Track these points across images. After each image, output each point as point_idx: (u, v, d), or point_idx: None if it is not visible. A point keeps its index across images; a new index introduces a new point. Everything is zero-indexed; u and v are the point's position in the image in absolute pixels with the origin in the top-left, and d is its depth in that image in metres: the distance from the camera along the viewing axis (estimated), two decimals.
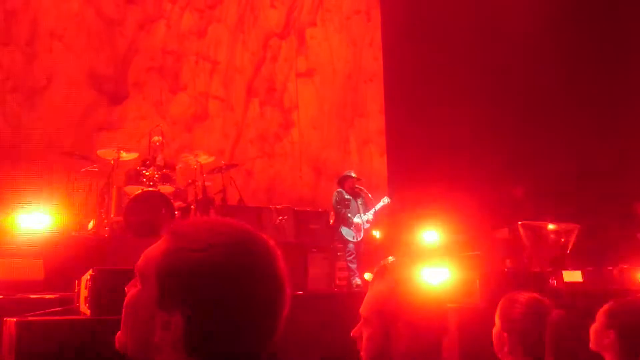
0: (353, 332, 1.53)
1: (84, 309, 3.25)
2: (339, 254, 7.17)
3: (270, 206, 7.55)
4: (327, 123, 10.37)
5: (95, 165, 6.60)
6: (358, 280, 6.84)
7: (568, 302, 4.66)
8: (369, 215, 7.24)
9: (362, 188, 7.41)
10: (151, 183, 6.40)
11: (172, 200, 6.35)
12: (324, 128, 10.33)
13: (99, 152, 6.65)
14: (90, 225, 6.51)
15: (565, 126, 8.86)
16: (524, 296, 2.03)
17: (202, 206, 6.71)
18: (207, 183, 6.87)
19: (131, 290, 0.98)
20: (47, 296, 3.88)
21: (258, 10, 10.06)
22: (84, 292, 3.29)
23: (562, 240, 7.06)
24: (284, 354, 1.70)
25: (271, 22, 10.15)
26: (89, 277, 3.18)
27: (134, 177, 6.58)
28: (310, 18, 10.57)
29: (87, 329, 3.05)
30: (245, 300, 0.92)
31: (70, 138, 8.03)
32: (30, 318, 3.09)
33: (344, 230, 7.10)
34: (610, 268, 5.90)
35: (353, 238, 7.06)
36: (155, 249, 0.97)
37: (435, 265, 5.15)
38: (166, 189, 6.49)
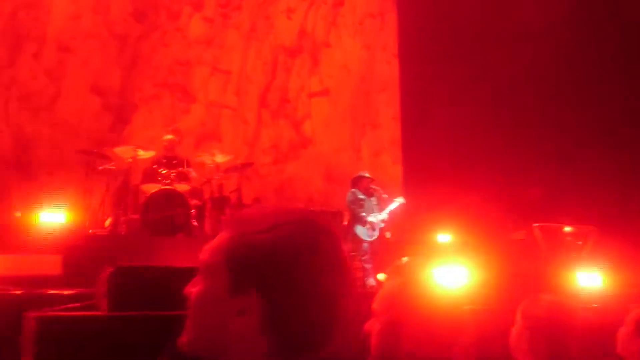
0: (366, 326, 1.56)
1: (103, 305, 3.28)
2: (352, 254, 7.15)
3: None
4: (339, 132, 10.31)
5: (112, 163, 6.66)
6: (372, 281, 6.81)
7: (587, 304, 4.64)
8: (384, 214, 7.21)
9: (377, 188, 7.36)
10: (168, 181, 6.46)
11: (188, 199, 6.41)
12: (336, 136, 10.26)
13: (116, 150, 6.72)
14: (107, 222, 6.59)
15: (583, 127, 8.75)
16: (547, 296, 2.02)
17: (218, 204, 6.75)
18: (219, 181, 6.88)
19: (195, 289, 0.98)
20: (66, 292, 3.94)
21: (272, 19, 9.96)
22: (102, 289, 3.32)
23: (579, 242, 7.00)
24: None
25: (284, 32, 10.07)
26: (108, 274, 3.22)
27: (151, 175, 6.64)
28: (324, 31, 10.49)
29: (106, 325, 3.09)
30: (314, 276, 0.93)
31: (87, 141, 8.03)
32: (50, 313, 3.13)
33: (359, 229, 7.06)
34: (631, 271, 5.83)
35: (368, 237, 7.03)
36: (219, 240, 0.98)
37: (451, 263, 5.11)
38: (182, 187, 6.54)
